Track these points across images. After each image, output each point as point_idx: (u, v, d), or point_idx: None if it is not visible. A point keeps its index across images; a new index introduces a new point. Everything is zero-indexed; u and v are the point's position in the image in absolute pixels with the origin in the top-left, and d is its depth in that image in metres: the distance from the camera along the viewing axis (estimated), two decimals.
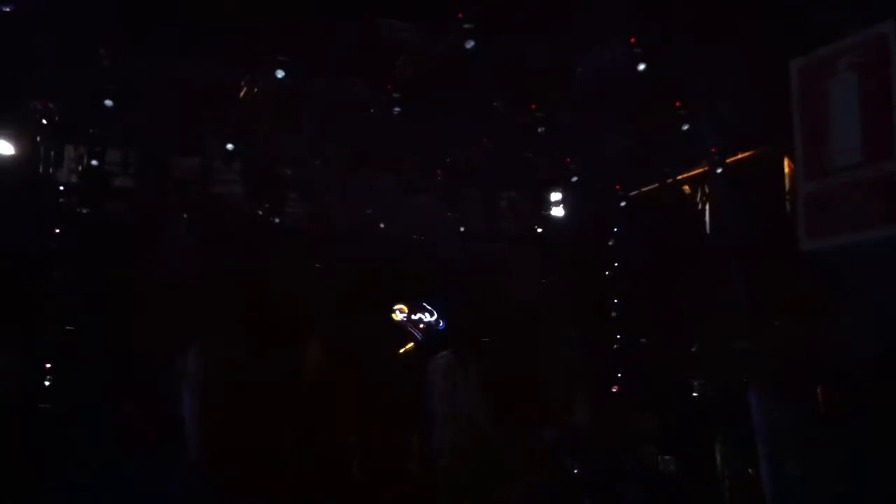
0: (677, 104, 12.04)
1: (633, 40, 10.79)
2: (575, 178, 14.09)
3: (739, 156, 12.55)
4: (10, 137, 11.40)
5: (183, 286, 12.53)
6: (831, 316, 7.49)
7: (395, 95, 11.68)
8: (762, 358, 8.80)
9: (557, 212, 14.52)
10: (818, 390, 7.50)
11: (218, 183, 13.17)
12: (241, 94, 11.58)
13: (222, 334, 11.39)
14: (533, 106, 12.42)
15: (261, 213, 13.46)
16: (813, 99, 8.34)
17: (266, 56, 10.76)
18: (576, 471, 10.65)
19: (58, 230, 12.40)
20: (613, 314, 14.16)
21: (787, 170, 12.23)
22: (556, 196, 14.54)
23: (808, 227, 8.51)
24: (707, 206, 13.49)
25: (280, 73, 10.83)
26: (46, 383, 11.87)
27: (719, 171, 12.62)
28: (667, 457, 11.47)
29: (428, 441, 11.43)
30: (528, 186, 14.72)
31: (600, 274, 14.37)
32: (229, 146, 12.42)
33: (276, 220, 13.44)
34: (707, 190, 13.45)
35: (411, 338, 13.80)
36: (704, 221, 13.38)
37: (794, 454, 8.69)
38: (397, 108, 11.75)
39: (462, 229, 14.34)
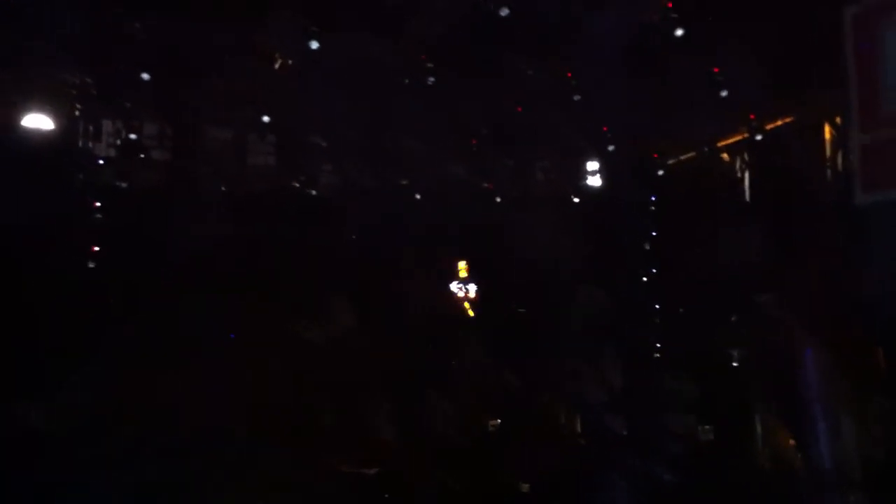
0: (715, 70, 11.86)
1: (669, 4, 10.67)
2: (611, 147, 13.94)
3: (779, 122, 12.38)
4: (47, 112, 11.49)
5: (219, 257, 12.68)
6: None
7: (429, 64, 11.63)
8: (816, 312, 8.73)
9: (594, 181, 14.39)
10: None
11: (253, 154, 13.22)
12: (276, 65, 11.60)
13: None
14: (569, 74, 12.31)
15: (297, 185, 13.52)
16: (867, 47, 8.12)
17: (300, 26, 10.76)
18: (624, 431, 10.61)
19: (97, 203, 12.56)
20: (651, 283, 14.04)
21: (827, 136, 12.05)
22: (592, 165, 14.40)
23: (864, 179, 8.31)
24: (746, 174, 13.33)
25: (314, 44, 10.82)
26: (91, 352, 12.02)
27: (759, 137, 12.47)
28: (706, 426, 11.41)
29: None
30: (564, 155, 14.59)
31: (637, 243, 14.24)
32: (264, 118, 12.46)
33: (313, 192, 13.49)
34: (746, 157, 13.29)
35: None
36: (744, 189, 13.23)
37: (849, 410, 8.65)
38: (431, 78, 11.71)
39: (497, 199, 14.28)
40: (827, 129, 12.05)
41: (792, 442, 10.69)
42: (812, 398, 8.81)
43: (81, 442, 9.39)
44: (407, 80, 12.07)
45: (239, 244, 13.00)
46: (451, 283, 13.94)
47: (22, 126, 11.38)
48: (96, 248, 12.63)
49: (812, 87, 11.39)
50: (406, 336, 12.46)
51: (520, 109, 13.21)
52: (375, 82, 12.00)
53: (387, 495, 10.59)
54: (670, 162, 14.24)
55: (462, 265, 14.11)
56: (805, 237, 11.09)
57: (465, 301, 13.79)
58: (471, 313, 13.65)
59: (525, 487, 11.04)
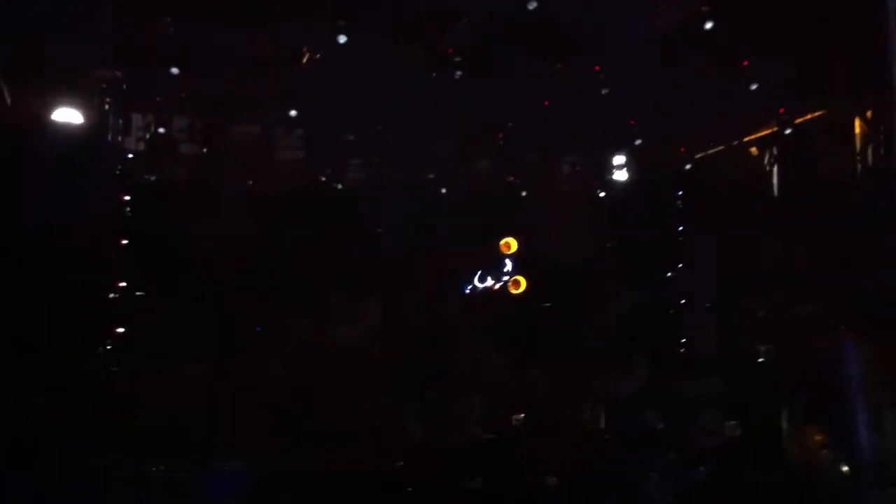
0: (745, 63, 11.77)
1: None
2: (638, 141, 13.88)
3: (809, 116, 12.28)
4: (78, 106, 11.56)
5: (246, 250, 12.75)
6: None
7: (456, 59, 11.61)
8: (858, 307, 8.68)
9: (620, 175, 14.32)
10: None
11: (281, 150, 13.26)
12: (303, 60, 11.61)
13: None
14: (596, 68, 12.25)
15: (323, 179, 13.55)
16: None
17: (327, 22, 10.76)
18: (660, 425, 10.59)
19: (126, 196, 12.66)
20: (677, 277, 13.99)
21: (857, 130, 11.93)
22: (619, 160, 14.33)
23: None
24: (774, 169, 13.22)
25: (342, 38, 10.82)
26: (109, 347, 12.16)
27: (788, 131, 12.37)
28: (727, 420, 11.37)
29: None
30: (590, 149, 14.53)
31: (664, 237, 14.19)
32: (292, 112, 12.50)
33: (339, 186, 13.52)
34: (775, 152, 13.18)
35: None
36: (772, 184, 13.13)
37: (891, 402, 8.59)
38: (458, 72, 11.69)
39: (524, 193, 14.25)
40: (857, 123, 11.93)
41: (819, 438, 10.65)
42: (852, 393, 8.79)
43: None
44: (434, 75, 12.03)
45: (263, 240, 13.07)
46: (476, 279, 13.88)
47: (52, 120, 11.45)
48: (124, 241, 12.72)
49: (842, 81, 11.29)
50: (430, 334, 12.54)
51: (546, 104, 13.16)
52: (402, 77, 12.00)
53: (410, 489, 10.64)
54: (698, 156, 14.15)
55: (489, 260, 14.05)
56: (836, 233, 11.01)
57: (490, 298, 13.74)
58: (495, 311, 13.60)
59: (551, 481, 11.04)
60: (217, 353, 12.18)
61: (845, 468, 10.06)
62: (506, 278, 13.93)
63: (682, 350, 13.32)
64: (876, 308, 9.37)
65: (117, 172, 12.69)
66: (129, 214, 12.64)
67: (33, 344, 10.27)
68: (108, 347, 12.09)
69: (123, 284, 12.60)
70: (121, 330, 12.31)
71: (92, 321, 11.88)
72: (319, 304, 12.66)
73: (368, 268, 13.10)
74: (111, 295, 12.36)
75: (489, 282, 13.96)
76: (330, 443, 10.85)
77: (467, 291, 13.93)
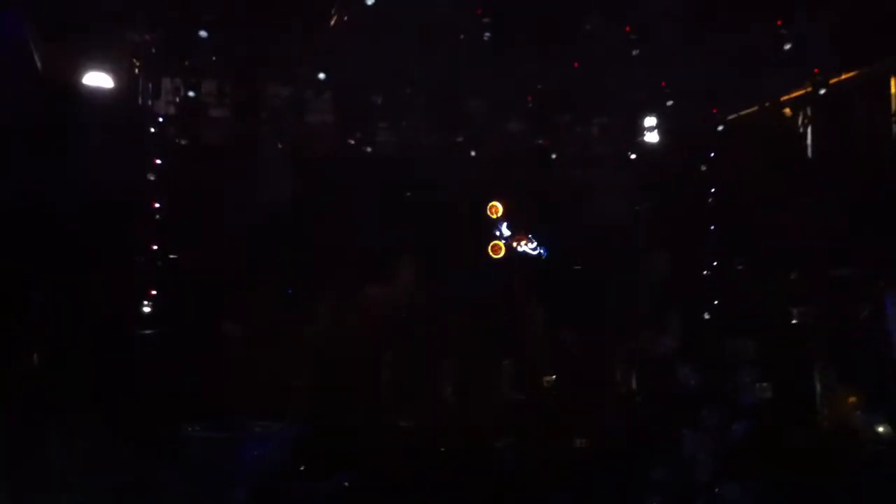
0: (778, 22, 11.60)
1: None
2: (670, 102, 13.73)
3: (844, 76, 12.10)
4: (108, 70, 11.59)
5: (278, 212, 12.80)
6: None
7: (486, 20, 11.52)
8: None
9: (651, 137, 14.18)
10: None
11: (310, 112, 13.24)
12: (332, 21, 11.57)
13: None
14: (627, 28, 12.12)
15: (353, 142, 13.54)
16: None
17: None
18: (692, 382, 10.58)
19: (158, 160, 12.72)
20: (710, 239, 13.91)
21: (893, 90, 11.75)
22: (650, 121, 14.19)
23: None
24: (809, 130, 13.07)
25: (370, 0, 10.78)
26: (147, 310, 12.30)
27: (822, 92, 12.20)
28: (764, 384, 11.34)
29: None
30: (621, 111, 14.39)
31: (696, 199, 14.09)
32: (321, 75, 12.47)
33: (368, 150, 13.50)
34: (809, 113, 13.01)
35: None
36: (806, 145, 12.98)
37: None
38: (487, 33, 11.60)
39: (553, 155, 14.16)
40: (894, 83, 11.75)
41: (852, 400, 10.62)
42: (890, 354, 8.77)
43: None
44: (462, 37, 11.95)
45: (295, 202, 13.12)
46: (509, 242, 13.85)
47: (83, 84, 11.49)
48: (157, 205, 12.81)
49: (877, 41, 11.12)
50: (461, 296, 12.55)
51: (577, 65, 13.05)
52: (431, 39, 11.94)
53: (443, 449, 10.72)
54: (730, 117, 13.99)
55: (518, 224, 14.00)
56: (871, 195, 10.90)
57: (523, 261, 13.73)
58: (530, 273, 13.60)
59: (582, 442, 11.09)
60: (249, 316, 12.28)
61: (880, 429, 10.03)
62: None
63: (715, 312, 13.27)
64: None
65: (149, 136, 12.75)
66: (161, 178, 12.70)
67: (66, 305, 10.41)
68: (142, 309, 12.25)
69: (156, 247, 12.72)
70: (154, 293, 12.45)
71: (125, 283, 12.02)
72: (353, 265, 12.70)
73: (400, 230, 13.12)
74: (144, 258, 12.50)
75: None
76: (363, 404, 10.97)
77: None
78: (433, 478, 9.52)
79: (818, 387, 10.81)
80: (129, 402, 9.27)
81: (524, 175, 14.05)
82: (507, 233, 13.86)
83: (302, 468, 9.34)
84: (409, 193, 13.55)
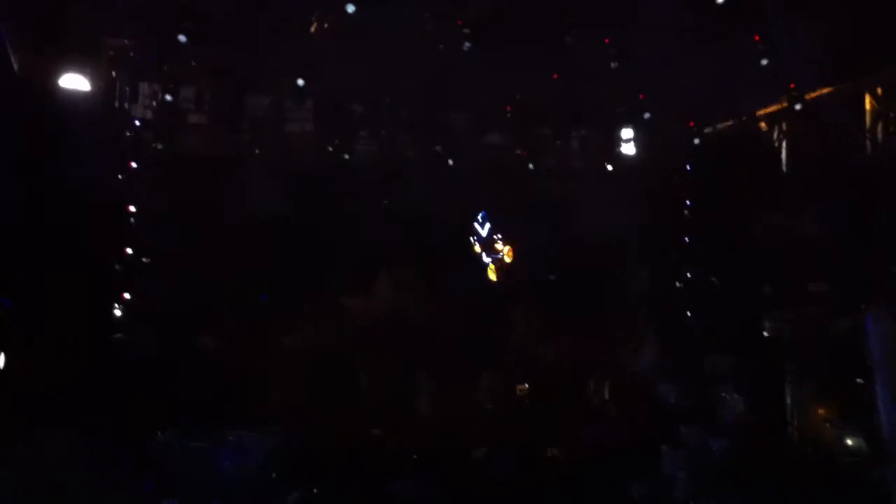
0: (756, 38, 11.71)
1: None
2: (647, 115, 13.81)
3: (820, 92, 12.22)
4: (86, 73, 11.52)
5: (255, 222, 12.73)
6: None
7: (465, 30, 11.55)
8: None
9: (628, 149, 14.25)
10: None
11: (290, 121, 13.21)
12: (312, 29, 11.55)
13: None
14: (606, 41, 12.19)
15: (331, 149, 13.50)
16: None
17: None
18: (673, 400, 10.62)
19: (133, 164, 12.64)
20: (685, 252, 13.99)
21: (868, 106, 11.89)
22: (627, 133, 14.26)
23: None
24: (785, 144, 13.19)
25: (350, 8, 10.77)
26: (118, 313, 12.20)
27: (798, 107, 12.31)
28: (736, 396, 11.40)
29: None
30: (600, 123, 14.45)
31: (672, 211, 14.17)
32: (300, 82, 12.44)
33: (346, 157, 13.47)
34: (784, 127, 13.13)
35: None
36: (782, 159, 13.09)
37: None
38: (467, 44, 11.63)
39: (531, 166, 14.20)
40: (868, 99, 11.88)
41: (824, 413, 10.71)
42: (869, 369, 8.86)
43: None
44: (442, 47, 11.98)
45: (272, 210, 13.06)
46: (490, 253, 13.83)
47: (60, 87, 11.41)
48: (132, 209, 12.72)
49: (855, 57, 11.25)
50: (439, 306, 12.53)
51: (556, 77, 13.10)
52: (411, 49, 11.95)
53: (415, 456, 10.71)
54: (707, 131, 14.09)
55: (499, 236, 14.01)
56: (846, 210, 11.01)
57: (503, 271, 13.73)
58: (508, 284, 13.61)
59: (554, 452, 11.11)
60: (223, 322, 12.22)
61: (849, 443, 10.12)
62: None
63: (690, 325, 13.33)
64: (887, 284, 9.42)
65: (125, 140, 12.67)
66: (137, 182, 12.62)
67: (41, 309, 10.32)
68: (116, 313, 12.14)
69: (130, 251, 12.63)
70: (127, 296, 12.35)
71: (99, 287, 11.92)
72: (328, 275, 12.66)
73: (377, 240, 13.10)
74: (118, 261, 12.40)
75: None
76: (340, 413, 10.93)
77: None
78: (408, 486, 9.51)
79: (791, 401, 10.90)
80: (102, 408, 9.18)
81: (503, 186, 14.06)
82: (485, 242, 13.86)
83: (273, 476, 9.28)
84: (387, 202, 13.50)
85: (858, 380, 10.07)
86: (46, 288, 10.43)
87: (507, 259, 13.72)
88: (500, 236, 13.84)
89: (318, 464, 9.59)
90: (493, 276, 13.38)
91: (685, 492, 8.89)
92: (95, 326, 11.34)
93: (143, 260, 12.50)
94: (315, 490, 9.16)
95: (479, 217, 13.99)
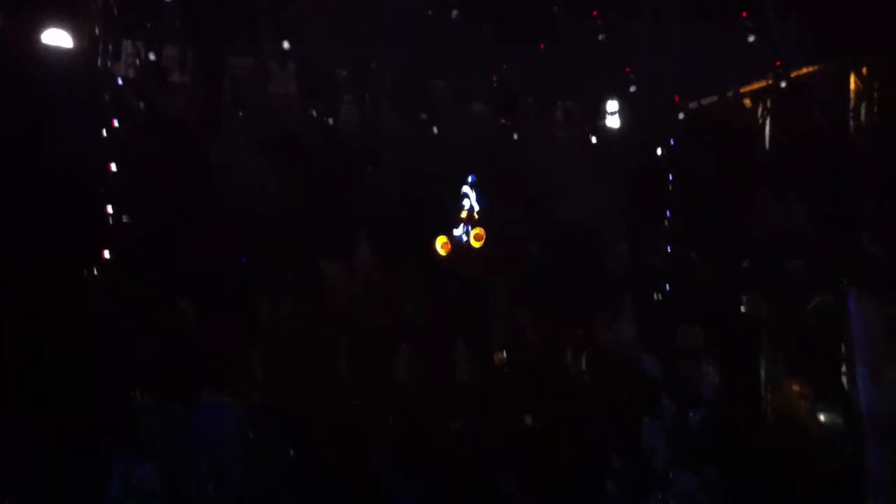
0: (743, 14, 11.72)
1: None
2: (633, 88, 13.80)
3: (804, 71, 12.26)
4: (68, 29, 11.38)
5: (237, 184, 12.67)
6: None
7: None
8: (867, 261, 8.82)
9: (613, 122, 14.25)
10: None
11: (273, 83, 13.11)
12: None
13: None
14: (594, 13, 12.16)
15: (315, 114, 13.41)
16: None
17: None
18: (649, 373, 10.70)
19: (115, 123, 12.54)
20: (665, 226, 14.06)
21: (852, 86, 11.93)
22: (612, 106, 14.25)
23: None
24: (768, 123, 13.24)
25: None
26: (97, 273, 12.14)
27: (784, 84, 12.35)
28: (712, 370, 11.51)
29: None
30: (585, 95, 14.43)
31: (654, 186, 14.22)
32: (285, 44, 12.33)
33: (330, 122, 13.39)
34: (769, 105, 13.17)
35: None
36: (765, 137, 13.14)
37: (891, 358, 8.79)
38: (455, 11, 11.59)
39: (515, 136, 14.19)
40: (853, 79, 11.93)
41: (798, 389, 10.83)
42: (854, 346, 8.98)
43: None
44: (430, 13, 11.92)
45: (253, 170, 12.99)
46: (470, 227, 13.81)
47: (42, 43, 11.28)
48: (114, 169, 12.64)
49: (840, 36, 11.29)
50: (420, 279, 12.52)
51: (542, 47, 13.07)
52: (397, 15, 11.88)
53: (396, 429, 10.75)
54: (692, 106, 14.11)
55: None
56: (828, 189, 11.09)
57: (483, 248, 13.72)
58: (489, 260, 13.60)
59: (528, 420, 11.16)
60: (203, 284, 12.18)
61: (823, 419, 10.25)
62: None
63: (668, 299, 13.44)
64: (869, 263, 9.53)
65: (107, 98, 12.56)
66: (118, 141, 12.52)
67: (20, 268, 10.26)
68: (95, 272, 12.08)
69: (111, 210, 12.55)
70: (107, 255, 12.29)
71: (79, 245, 11.86)
72: (308, 241, 12.62)
73: (359, 206, 13.06)
74: (98, 220, 12.33)
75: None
76: (318, 382, 10.94)
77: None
78: (385, 458, 9.56)
79: (766, 377, 11.01)
80: (83, 369, 9.16)
81: (485, 157, 14.04)
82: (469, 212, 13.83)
83: (251, 441, 9.31)
84: (370, 168, 13.44)
85: (835, 357, 10.21)
86: (22, 247, 10.35)
87: (486, 236, 13.64)
88: (482, 206, 13.80)
89: (296, 431, 9.61)
90: (475, 244, 13.34)
91: (661, 463, 8.99)
92: (73, 288, 11.28)
93: (123, 220, 12.44)
94: (292, 455, 9.21)
95: (467, 183, 13.91)
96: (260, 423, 9.55)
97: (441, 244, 13.36)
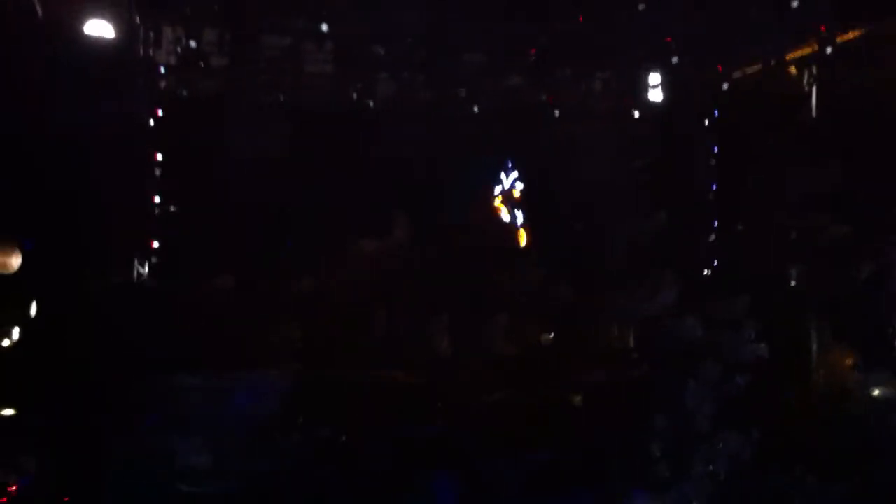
0: None
1: None
2: (675, 59, 13.57)
3: (851, 34, 11.97)
4: (109, 20, 11.52)
5: (276, 164, 12.78)
6: None
7: None
8: None
9: (655, 94, 14.03)
10: None
11: (310, 63, 13.14)
12: None
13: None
14: None
15: (352, 93, 13.44)
16: None
17: None
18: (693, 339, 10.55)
19: (159, 110, 12.70)
20: (710, 198, 13.88)
21: None
22: (654, 79, 14.03)
23: None
24: (814, 90, 12.95)
25: None
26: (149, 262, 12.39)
27: (829, 50, 12.07)
28: (761, 342, 11.32)
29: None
30: (625, 67, 14.24)
31: (699, 158, 14.03)
32: (323, 26, 12.36)
33: (368, 101, 13.42)
34: (814, 72, 12.88)
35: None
36: (810, 104, 12.87)
37: None
38: None
39: (556, 111, 14.08)
40: None
41: (849, 360, 10.62)
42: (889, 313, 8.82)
43: None
44: None
45: (294, 155, 13.07)
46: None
47: (83, 33, 11.43)
48: (158, 156, 12.81)
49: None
50: (457, 251, 12.52)
51: (581, 19, 12.91)
52: None
53: (439, 405, 10.74)
54: (735, 75, 13.85)
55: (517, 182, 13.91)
56: (874, 156, 10.86)
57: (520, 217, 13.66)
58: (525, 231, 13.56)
59: (577, 400, 11.10)
60: (249, 267, 12.33)
61: (875, 392, 10.04)
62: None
63: (714, 269, 13.28)
64: None
65: (149, 86, 12.71)
66: (162, 129, 12.69)
67: (69, 257, 10.46)
68: (143, 261, 12.32)
69: (157, 199, 12.75)
70: (155, 244, 12.51)
71: (126, 235, 12.07)
72: (349, 218, 12.69)
73: (397, 183, 13.09)
74: (145, 209, 12.54)
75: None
76: (357, 356, 11.00)
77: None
78: (422, 433, 9.56)
79: (814, 346, 10.82)
80: (121, 350, 9.31)
81: (524, 130, 13.95)
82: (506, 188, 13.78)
83: (291, 415, 9.39)
84: (407, 147, 13.44)
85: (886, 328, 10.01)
86: (68, 230, 10.54)
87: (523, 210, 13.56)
88: (520, 183, 13.73)
89: (334, 404, 9.68)
90: (506, 217, 13.30)
91: (711, 426, 8.87)
92: (116, 268, 11.48)
93: (165, 204, 12.62)
94: (332, 430, 9.27)
95: (505, 165, 13.87)
96: (301, 396, 9.64)
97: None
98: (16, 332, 9.62)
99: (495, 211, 13.58)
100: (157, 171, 12.85)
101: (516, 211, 13.48)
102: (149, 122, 12.70)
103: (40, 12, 10.97)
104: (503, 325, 11.91)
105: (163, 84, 13.01)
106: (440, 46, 13.05)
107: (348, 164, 13.09)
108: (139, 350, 9.34)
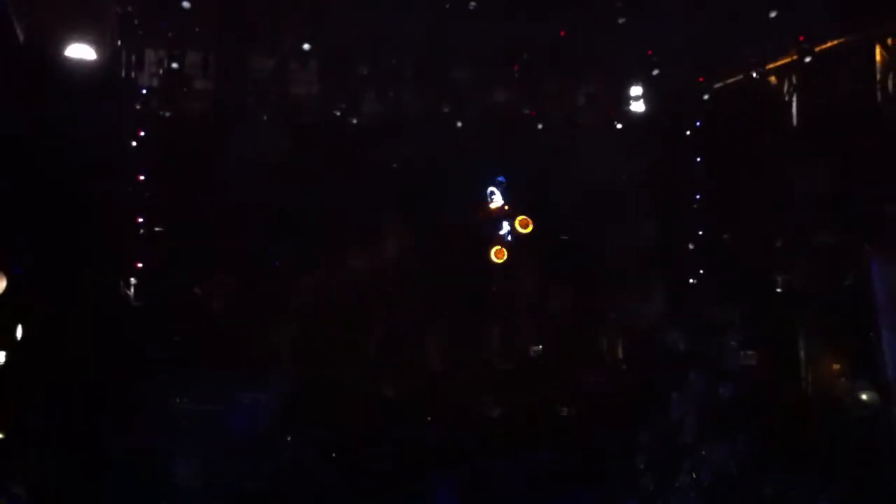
0: None
1: None
2: (656, 71, 13.67)
3: (829, 44, 12.07)
4: (90, 43, 11.49)
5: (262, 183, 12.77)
6: None
7: None
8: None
9: (637, 105, 14.12)
10: None
11: (295, 83, 13.15)
12: None
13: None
14: None
15: (338, 114, 13.45)
16: None
17: None
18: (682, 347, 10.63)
19: (141, 132, 12.67)
20: (695, 207, 13.95)
21: (878, 58, 11.74)
22: (636, 89, 14.11)
23: None
24: (794, 98, 13.06)
25: None
26: (135, 281, 12.32)
27: (808, 59, 12.18)
28: (749, 352, 11.38)
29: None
30: (608, 79, 14.32)
31: (682, 168, 14.10)
32: (305, 46, 12.37)
33: (353, 118, 13.44)
34: (794, 81, 12.99)
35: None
36: (791, 114, 12.97)
37: None
38: (473, 2, 11.56)
39: (540, 124, 14.14)
40: (878, 51, 11.73)
41: (836, 367, 10.69)
42: (877, 310, 8.89)
43: None
44: (448, 5, 11.89)
45: (280, 173, 13.06)
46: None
47: (65, 56, 11.39)
48: (141, 177, 12.77)
49: (864, 7, 11.12)
50: (451, 264, 12.54)
51: (563, 33, 12.98)
52: (417, 5, 11.86)
53: (429, 418, 10.76)
54: (717, 86, 13.95)
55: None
56: (857, 161, 10.94)
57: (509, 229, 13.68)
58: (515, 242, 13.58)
59: (565, 411, 11.15)
60: (236, 286, 12.31)
61: (863, 396, 10.11)
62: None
63: (700, 278, 13.33)
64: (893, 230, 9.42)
65: (132, 108, 12.68)
66: (145, 151, 12.66)
67: (53, 279, 10.39)
68: (129, 282, 12.26)
69: (141, 220, 12.71)
70: (140, 265, 12.45)
71: (111, 256, 12.01)
72: (339, 233, 12.71)
73: (386, 197, 13.11)
74: (129, 230, 12.50)
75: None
76: (351, 370, 11.01)
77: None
78: (417, 440, 9.58)
79: (802, 353, 10.89)
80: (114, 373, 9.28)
81: (511, 143, 14.00)
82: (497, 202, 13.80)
83: (286, 434, 9.38)
84: (395, 165, 13.48)
85: (870, 333, 10.06)
86: (56, 255, 10.49)
87: (521, 228, 13.56)
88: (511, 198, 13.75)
89: (329, 420, 9.68)
90: (522, 230, 13.31)
91: (692, 437, 8.92)
92: (106, 291, 11.42)
93: (151, 226, 12.59)
94: (326, 447, 9.27)
95: (496, 182, 13.93)
96: (295, 415, 9.64)
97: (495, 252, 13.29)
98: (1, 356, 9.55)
99: (485, 221, 13.58)
100: (143, 193, 12.82)
101: (524, 225, 13.48)
102: (133, 143, 12.66)
103: (21, 37, 10.92)
104: (495, 335, 11.97)
105: (146, 106, 12.98)
106: (425, 63, 13.10)
107: (337, 180, 13.09)
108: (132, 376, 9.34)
